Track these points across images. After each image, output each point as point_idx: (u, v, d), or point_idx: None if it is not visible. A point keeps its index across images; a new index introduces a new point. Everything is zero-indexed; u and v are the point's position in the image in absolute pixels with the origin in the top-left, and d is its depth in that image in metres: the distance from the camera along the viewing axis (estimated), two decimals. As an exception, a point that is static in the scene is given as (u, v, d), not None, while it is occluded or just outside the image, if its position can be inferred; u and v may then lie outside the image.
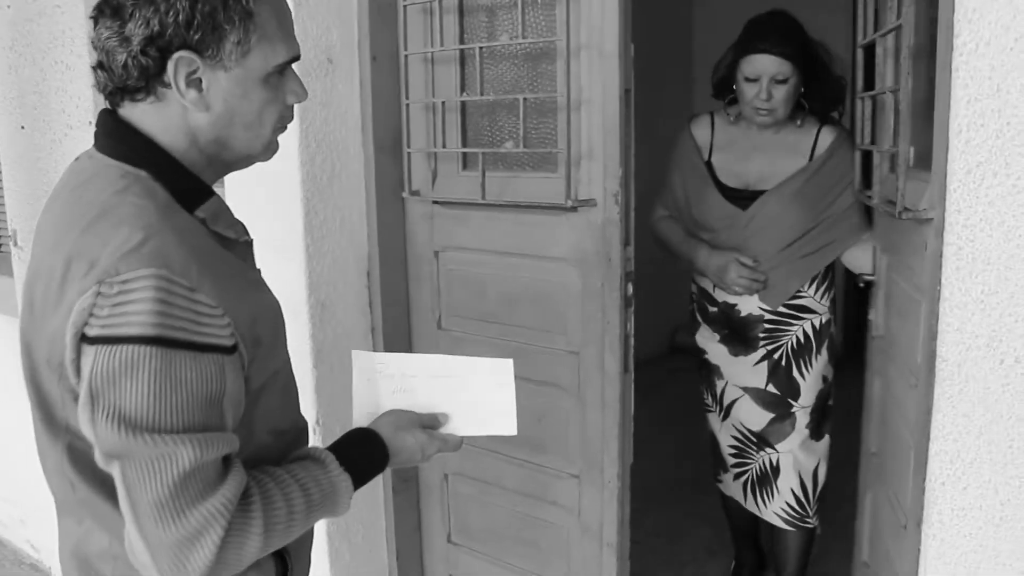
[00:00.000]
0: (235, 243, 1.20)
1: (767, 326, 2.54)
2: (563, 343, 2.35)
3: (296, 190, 2.40)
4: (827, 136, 2.45)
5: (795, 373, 2.55)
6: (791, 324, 2.53)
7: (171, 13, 1.05)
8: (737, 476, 2.75)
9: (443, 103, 2.44)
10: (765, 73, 2.33)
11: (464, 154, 2.50)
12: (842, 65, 2.51)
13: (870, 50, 2.09)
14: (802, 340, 2.54)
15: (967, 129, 1.42)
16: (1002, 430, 1.45)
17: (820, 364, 2.58)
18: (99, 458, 1.02)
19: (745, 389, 2.62)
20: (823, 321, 2.56)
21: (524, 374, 2.42)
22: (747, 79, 2.37)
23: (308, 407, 2.49)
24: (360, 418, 1.40)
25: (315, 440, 2.51)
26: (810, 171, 2.43)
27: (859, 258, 2.38)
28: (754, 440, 2.64)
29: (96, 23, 1.09)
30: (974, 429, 1.49)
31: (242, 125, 1.14)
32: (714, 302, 2.62)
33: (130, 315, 0.98)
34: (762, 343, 2.55)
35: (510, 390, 1.40)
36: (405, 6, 2.46)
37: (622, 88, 2.13)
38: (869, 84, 2.14)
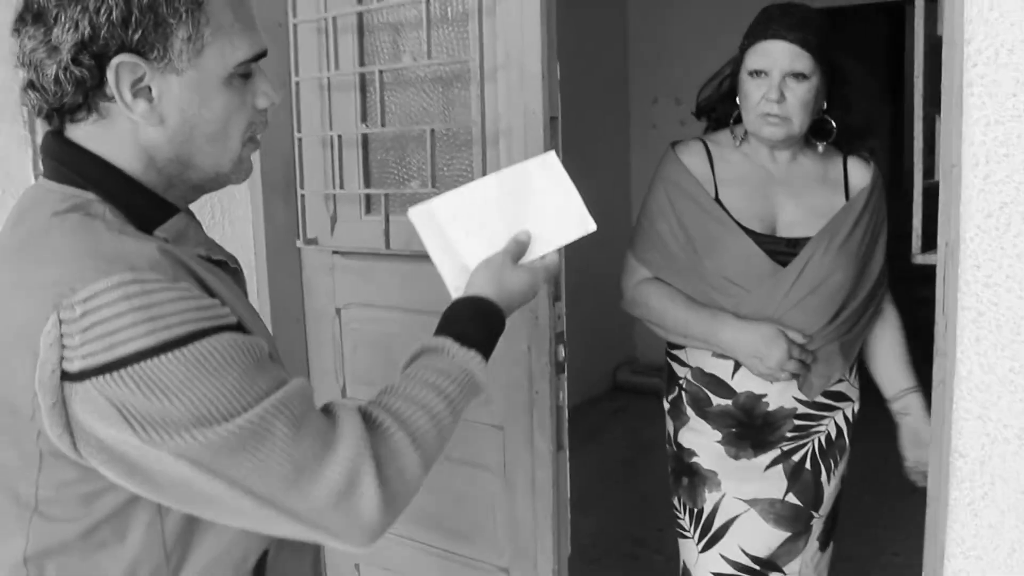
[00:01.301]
0: (222, 265, 1.02)
1: (797, 423, 1.77)
2: (485, 416, 1.95)
3: (166, 241, 1.97)
4: (860, 170, 1.78)
5: (823, 477, 1.82)
6: (824, 417, 1.80)
7: (103, 11, 0.88)
8: None
9: (339, 136, 2.04)
10: (778, 66, 1.62)
11: (367, 196, 2.10)
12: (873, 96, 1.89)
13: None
14: (833, 436, 1.82)
15: (986, 160, 1.07)
16: (1042, 548, 1.09)
17: (844, 462, 1.87)
18: (198, 481, 0.84)
19: (751, 502, 1.81)
20: (855, 410, 1.85)
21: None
22: (754, 73, 1.65)
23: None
24: (453, 277, 1.22)
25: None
26: (855, 211, 1.71)
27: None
28: (756, 569, 1.84)
29: (19, 34, 0.92)
30: (1004, 545, 1.12)
31: (205, 138, 0.97)
32: (729, 392, 1.77)
33: (114, 334, 0.82)
34: (784, 442, 1.79)
35: (568, 183, 1.25)
36: (295, 25, 2.06)
37: (547, 115, 1.75)
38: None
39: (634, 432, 4.35)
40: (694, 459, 1.83)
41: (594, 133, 4.78)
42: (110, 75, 0.90)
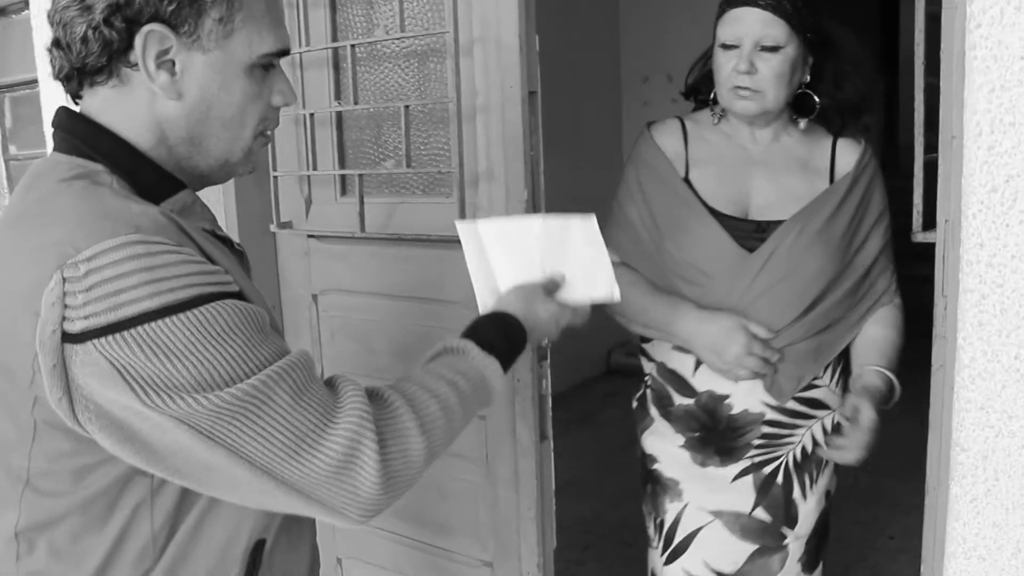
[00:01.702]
0: (227, 243, 1.02)
1: (766, 429, 1.56)
2: (467, 404, 1.86)
3: (132, 226, 1.88)
4: (849, 150, 1.56)
5: (796, 494, 1.60)
6: (798, 426, 1.58)
7: None
8: None
9: (311, 115, 1.94)
10: (749, 35, 1.45)
11: (343, 177, 2.00)
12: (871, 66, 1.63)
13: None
14: (810, 449, 1.60)
15: (991, 130, 0.97)
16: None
17: (827, 477, 1.64)
18: (196, 449, 0.83)
19: (716, 514, 1.62)
20: (836, 420, 1.60)
21: (423, 442, 1.94)
22: (724, 46, 1.48)
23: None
24: (484, 295, 1.26)
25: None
26: (837, 195, 1.51)
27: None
28: None
29: None
30: (1009, 544, 1.03)
31: (220, 121, 0.97)
32: (690, 391, 1.59)
33: (118, 295, 0.81)
34: (752, 451, 1.58)
35: (602, 249, 1.26)
36: (265, -1, 1.95)
37: (525, 89, 1.65)
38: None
39: (629, 415, 4.25)
40: (655, 466, 1.67)
41: (585, 111, 4.67)
42: (138, 41, 0.90)
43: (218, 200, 2.02)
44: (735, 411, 1.55)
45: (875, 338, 1.56)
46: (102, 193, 0.89)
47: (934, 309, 1.12)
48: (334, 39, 1.96)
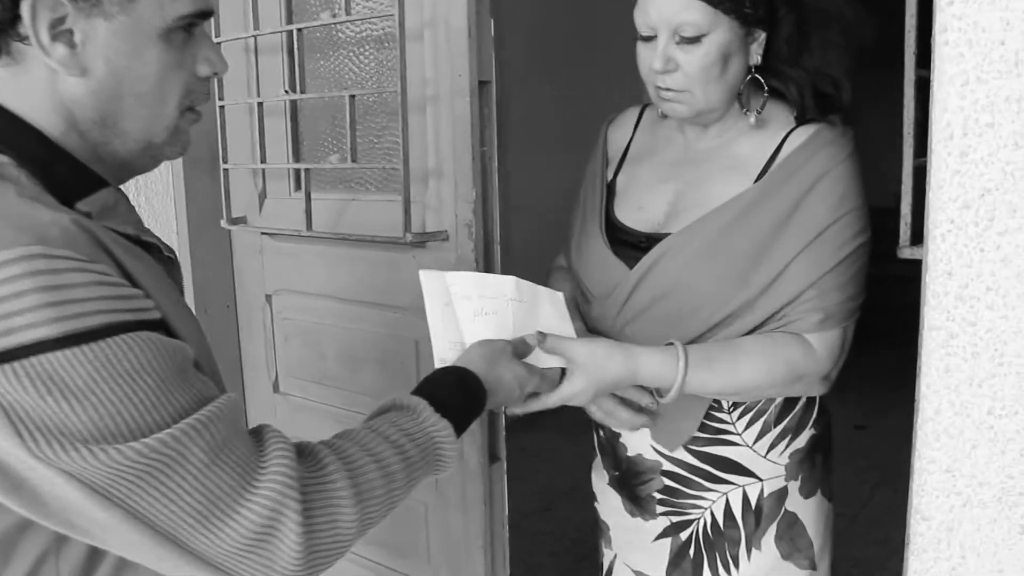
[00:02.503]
0: (152, 252, 0.88)
1: (667, 482, 1.30)
2: (417, 419, 1.70)
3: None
4: (799, 138, 1.21)
5: (705, 573, 1.31)
6: (703, 488, 1.29)
7: None
8: None
9: (259, 104, 1.77)
10: (662, 24, 1.14)
11: (297, 172, 1.84)
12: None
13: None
14: (721, 523, 1.29)
15: (963, 132, 0.78)
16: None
17: (766, 565, 1.29)
18: (89, 507, 0.70)
19: (637, 575, 1.39)
20: (775, 491, 1.27)
21: (372, 457, 1.78)
22: (641, 39, 1.20)
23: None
24: (442, 350, 1.17)
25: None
26: (745, 200, 1.20)
27: None
28: None
29: None
30: (978, 634, 0.84)
31: (134, 97, 0.83)
32: (598, 424, 1.40)
33: (11, 317, 0.67)
34: (661, 509, 1.32)
35: (569, 324, 1.18)
36: (217, -21, 1.80)
37: (475, 79, 1.48)
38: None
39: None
40: (596, 503, 1.47)
41: (566, 100, 4.38)
42: (25, 10, 0.75)
43: (166, 192, 1.88)
44: (631, 453, 1.34)
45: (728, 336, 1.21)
46: (6, 191, 0.76)
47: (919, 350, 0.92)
48: (290, 22, 1.80)
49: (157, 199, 1.86)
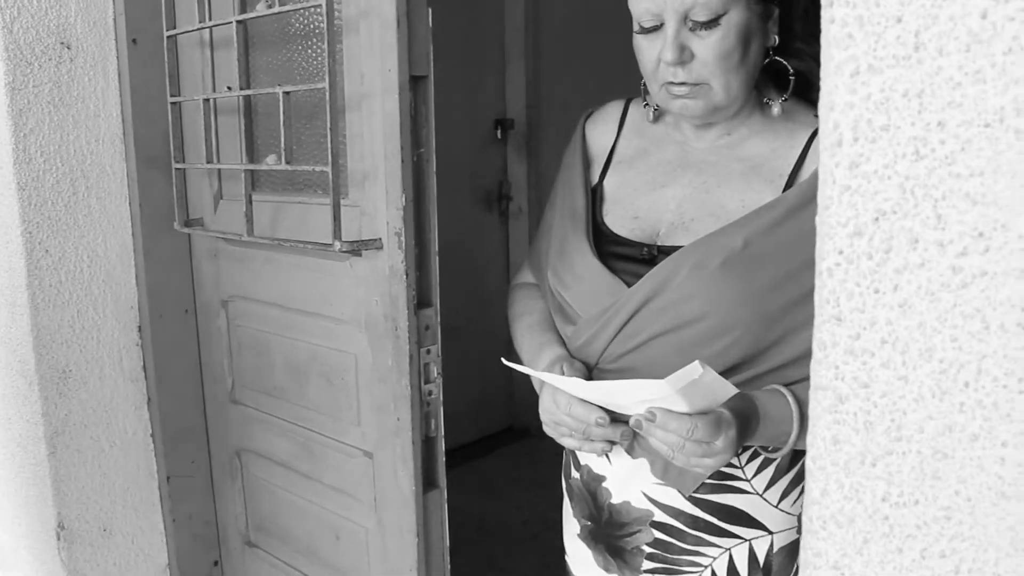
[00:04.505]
0: None
1: (658, 535, 1.10)
2: (357, 438, 1.55)
3: (13, 220, 1.64)
4: None
5: None
6: (704, 543, 1.09)
7: None
8: None
9: (207, 100, 1.64)
10: (670, 8, 0.97)
11: (252, 173, 1.71)
12: None
13: None
14: None
15: (854, 137, 0.59)
16: None
17: None
18: None
19: None
20: (786, 546, 1.09)
21: (316, 474, 1.64)
22: (642, 31, 1.02)
23: (47, 506, 1.73)
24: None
25: (59, 551, 1.75)
26: (774, 213, 1.00)
27: None
28: None
29: None
30: None
31: None
32: (576, 460, 1.20)
33: None
34: (649, 565, 1.11)
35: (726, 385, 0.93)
36: (171, -29, 1.68)
37: (405, 74, 1.32)
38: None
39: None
40: (566, 556, 1.26)
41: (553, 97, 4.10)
42: None
43: (120, 192, 1.76)
44: (615, 500, 1.12)
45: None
46: None
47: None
48: (243, 13, 1.66)
49: (110, 199, 1.75)
